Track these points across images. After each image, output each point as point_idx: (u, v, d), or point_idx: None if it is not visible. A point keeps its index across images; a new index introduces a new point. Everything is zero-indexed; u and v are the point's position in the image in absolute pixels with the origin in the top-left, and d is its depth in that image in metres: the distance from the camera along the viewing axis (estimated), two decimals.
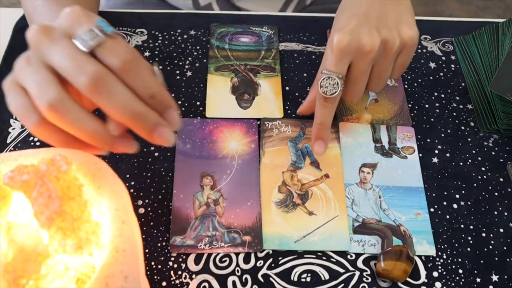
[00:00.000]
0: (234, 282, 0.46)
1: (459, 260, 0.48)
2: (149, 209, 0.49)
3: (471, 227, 0.50)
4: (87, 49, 0.35)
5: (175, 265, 0.46)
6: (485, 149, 0.56)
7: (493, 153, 0.56)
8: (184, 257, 0.47)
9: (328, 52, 0.49)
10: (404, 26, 0.49)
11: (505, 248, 0.49)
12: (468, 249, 0.49)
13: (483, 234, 0.50)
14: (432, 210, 0.51)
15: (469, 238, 0.50)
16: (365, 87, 0.51)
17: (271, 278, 0.46)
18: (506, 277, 0.47)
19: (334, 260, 0.48)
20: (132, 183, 0.51)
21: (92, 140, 0.36)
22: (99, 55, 0.35)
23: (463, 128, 0.58)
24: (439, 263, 0.48)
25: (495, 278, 0.47)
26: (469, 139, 0.57)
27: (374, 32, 0.47)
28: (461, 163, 0.55)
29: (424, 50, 0.64)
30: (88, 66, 0.34)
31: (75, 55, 0.35)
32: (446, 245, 0.49)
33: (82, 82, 0.34)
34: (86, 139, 0.36)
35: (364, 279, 0.47)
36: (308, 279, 0.46)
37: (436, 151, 0.55)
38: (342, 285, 0.46)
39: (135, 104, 0.35)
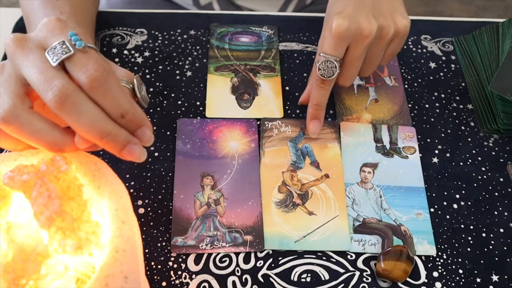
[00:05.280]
0: (234, 282, 0.46)
1: (459, 260, 0.48)
2: (149, 209, 0.49)
3: (471, 227, 0.50)
4: (56, 63, 0.34)
5: (175, 265, 0.46)
6: (485, 149, 0.56)
7: (493, 153, 0.56)
8: (184, 257, 0.47)
9: (326, 35, 0.50)
10: (398, 15, 0.51)
11: (505, 248, 0.49)
12: (468, 249, 0.49)
13: (483, 234, 0.50)
14: (432, 210, 0.51)
15: (469, 238, 0.50)
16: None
17: (271, 278, 0.46)
18: (506, 277, 0.47)
19: (334, 260, 0.48)
20: (132, 183, 0.51)
21: (53, 150, 0.35)
22: (69, 70, 0.34)
23: (463, 128, 0.58)
24: (439, 263, 0.48)
25: (495, 278, 0.47)
26: (469, 139, 0.57)
27: (372, 18, 0.49)
28: (461, 163, 0.55)
29: (424, 50, 0.64)
30: (56, 82, 0.33)
31: (45, 68, 0.33)
32: (446, 245, 0.49)
33: (49, 98, 0.33)
34: (47, 149, 0.35)
35: (364, 279, 0.47)
36: (308, 279, 0.46)
37: (436, 151, 0.55)
38: (342, 285, 0.46)
39: (102, 123, 0.34)
